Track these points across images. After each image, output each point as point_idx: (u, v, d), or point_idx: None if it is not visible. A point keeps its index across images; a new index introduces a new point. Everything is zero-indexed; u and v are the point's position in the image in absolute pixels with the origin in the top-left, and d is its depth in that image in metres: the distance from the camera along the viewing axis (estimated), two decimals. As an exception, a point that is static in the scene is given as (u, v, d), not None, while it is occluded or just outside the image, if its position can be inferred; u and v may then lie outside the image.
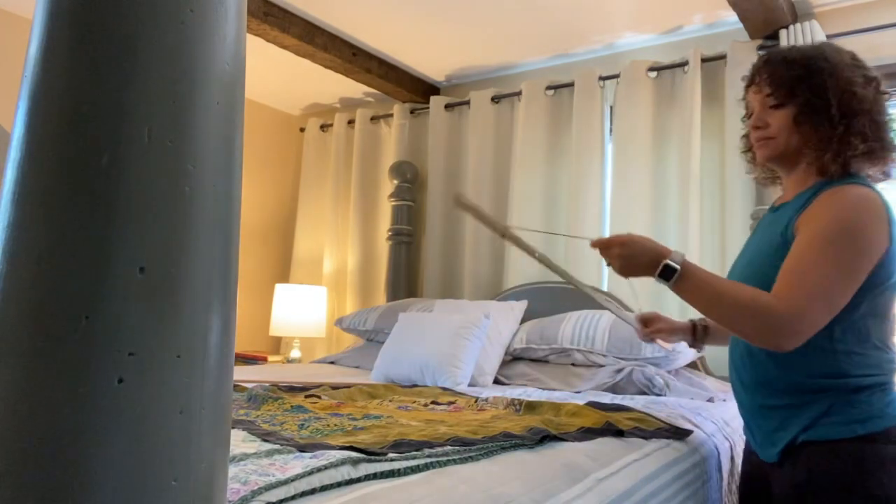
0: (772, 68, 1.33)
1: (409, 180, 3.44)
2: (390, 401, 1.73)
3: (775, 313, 1.13)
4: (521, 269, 3.00)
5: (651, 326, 1.57)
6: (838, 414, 1.21)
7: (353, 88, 3.67)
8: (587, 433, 1.33)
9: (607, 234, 2.79)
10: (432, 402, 1.72)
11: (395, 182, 3.44)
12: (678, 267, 1.21)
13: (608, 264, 1.32)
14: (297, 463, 0.92)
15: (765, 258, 1.29)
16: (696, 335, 1.57)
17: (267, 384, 1.87)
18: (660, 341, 1.57)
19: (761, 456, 1.35)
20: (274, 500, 0.79)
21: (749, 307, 1.15)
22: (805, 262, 1.16)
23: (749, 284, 1.26)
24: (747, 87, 1.39)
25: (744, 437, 1.76)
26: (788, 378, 1.26)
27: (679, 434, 1.50)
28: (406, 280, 3.41)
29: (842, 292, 1.15)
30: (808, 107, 1.27)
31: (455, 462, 1.03)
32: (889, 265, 1.20)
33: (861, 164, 1.25)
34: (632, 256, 1.27)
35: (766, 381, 1.30)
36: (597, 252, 1.40)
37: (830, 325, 1.19)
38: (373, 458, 0.98)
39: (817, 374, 1.22)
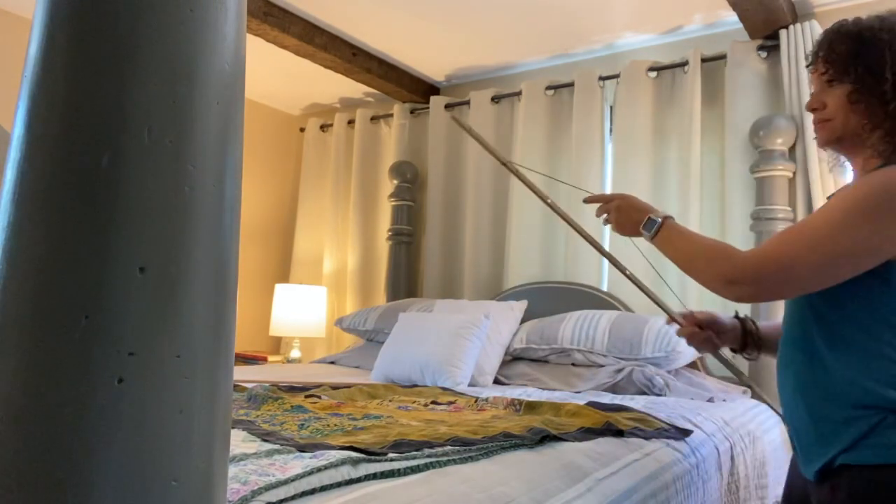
0: (828, 43, 1.24)
1: (409, 180, 3.44)
2: (390, 401, 1.73)
3: (739, 252, 1.10)
4: (521, 270, 3.00)
5: (705, 328, 1.39)
6: (882, 437, 1.08)
7: (353, 88, 3.67)
8: (587, 433, 1.33)
9: (607, 237, 2.80)
10: (432, 402, 1.72)
11: (395, 182, 3.44)
12: (659, 220, 1.25)
13: (606, 221, 1.36)
14: (297, 463, 0.92)
15: None
16: (747, 341, 1.39)
17: (267, 384, 1.87)
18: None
19: (803, 471, 1.23)
20: (274, 500, 0.79)
21: (715, 248, 1.13)
22: (813, 217, 1.07)
23: None
24: (808, 66, 1.31)
25: (745, 439, 1.76)
26: (848, 384, 1.11)
27: (679, 434, 1.50)
28: (406, 280, 3.41)
29: (844, 249, 1.03)
30: (863, 83, 1.16)
31: (455, 462, 1.03)
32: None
33: None
34: (628, 208, 1.31)
35: (819, 384, 1.16)
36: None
37: (878, 310, 1.07)
38: (373, 458, 0.98)
39: (882, 384, 1.07)
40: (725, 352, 1.47)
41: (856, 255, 1.03)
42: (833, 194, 1.15)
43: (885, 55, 1.14)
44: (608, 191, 2.88)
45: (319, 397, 1.69)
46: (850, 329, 1.08)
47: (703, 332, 1.37)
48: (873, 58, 1.16)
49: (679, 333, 1.39)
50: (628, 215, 1.31)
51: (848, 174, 1.29)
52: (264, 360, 3.39)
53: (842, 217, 1.03)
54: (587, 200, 1.39)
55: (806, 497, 1.27)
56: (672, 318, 1.43)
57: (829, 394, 1.13)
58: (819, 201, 2.31)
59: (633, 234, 1.32)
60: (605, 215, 1.37)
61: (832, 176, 2.34)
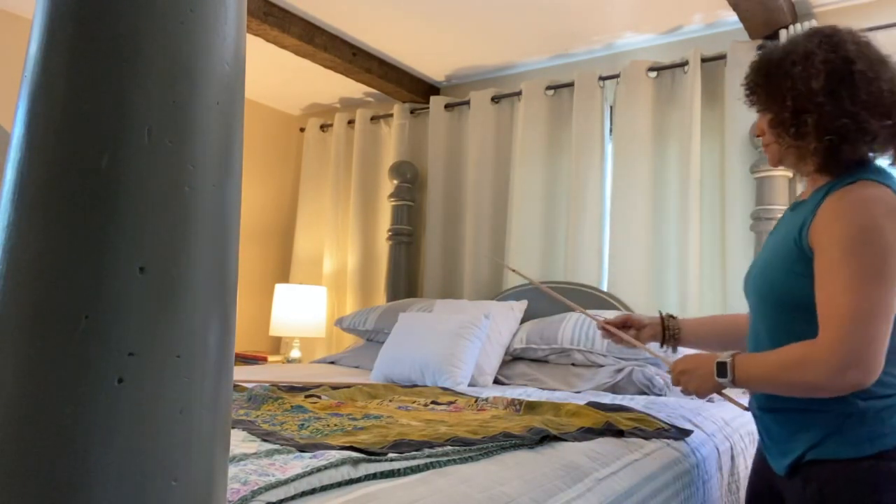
0: (750, 74, 1.32)
1: (409, 180, 3.44)
2: (390, 401, 1.73)
3: (825, 359, 1.09)
4: (521, 269, 3.00)
5: (613, 327, 1.55)
6: (849, 432, 1.16)
7: (353, 88, 3.67)
8: (587, 433, 1.33)
9: (607, 237, 2.80)
10: (432, 402, 1.72)
11: (395, 182, 3.44)
12: (727, 360, 1.21)
13: (684, 392, 1.33)
14: (297, 463, 0.92)
15: (778, 263, 1.24)
16: (665, 334, 1.55)
17: (267, 384, 1.87)
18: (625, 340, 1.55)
19: (772, 466, 1.31)
20: (274, 500, 0.79)
21: (800, 368, 1.11)
22: (831, 288, 1.11)
23: (761, 289, 1.26)
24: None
25: (745, 439, 1.76)
26: None
27: (679, 434, 1.50)
28: (406, 280, 3.41)
29: (880, 298, 1.08)
30: (775, 111, 1.25)
31: (455, 462, 1.03)
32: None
33: (852, 155, 1.18)
34: (693, 367, 1.28)
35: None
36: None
37: None
38: (373, 458, 0.98)
39: None
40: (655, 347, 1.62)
41: (889, 294, 1.10)
42: (806, 228, 1.20)
43: (785, 83, 1.21)
44: (608, 191, 2.87)
45: (319, 397, 1.69)
46: (812, 335, 1.13)
47: (624, 333, 1.53)
48: (775, 86, 1.23)
49: (605, 338, 1.56)
50: (696, 374, 1.27)
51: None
52: (264, 360, 3.39)
53: (858, 282, 1.09)
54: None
55: (772, 489, 1.34)
56: (602, 327, 1.55)
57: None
58: None
59: (714, 390, 1.27)
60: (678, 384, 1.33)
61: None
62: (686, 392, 1.31)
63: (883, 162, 1.23)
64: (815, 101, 1.17)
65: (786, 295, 1.21)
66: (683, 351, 1.64)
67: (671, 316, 1.56)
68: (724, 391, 1.30)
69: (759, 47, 2.56)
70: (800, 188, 2.39)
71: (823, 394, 1.12)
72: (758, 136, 1.33)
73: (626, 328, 1.56)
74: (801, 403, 1.21)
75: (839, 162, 1.19)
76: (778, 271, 1.23)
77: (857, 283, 1.09)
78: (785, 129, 1.23)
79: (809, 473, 1.20)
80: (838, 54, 1.18)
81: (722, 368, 1.21)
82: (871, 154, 1.19)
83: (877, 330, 1.08)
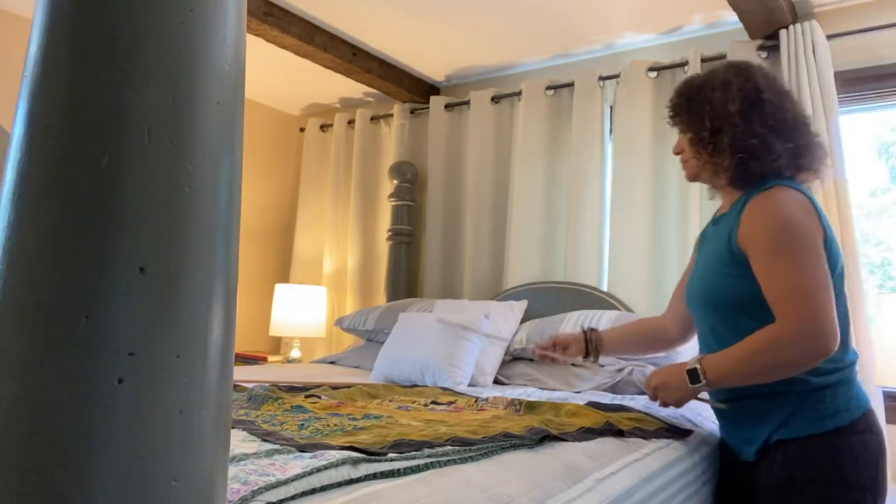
0: (674, 98, 1.47)
1: (409, 180, 3.44)
2: (390, 401, 1.73)
3: (791, 336, 1.20)
4: (521, 270, 3.00)
5: (546, 348, 1.74)
6: (809, 410, 1.29)
7: (353, 88, 3.67)
8: (587, 433, 1.33)
9: (607, 237, 2.80)
10: (432, 402, 1.72)
11: (395, 182, 3.44)
12: (696, 366, 1.32)
13: (662, 404, 1.43)
14: (297, 463, 0.92)
15: (715, 268, 1.39)
16: (588, 347, 1.73)
17: (267, 384, 1.87)
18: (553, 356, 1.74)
19: (740, 455, 1.44)
20: (274, 500, 0.79)
21: (770, 352, 1.22)
22: (776, 278, 1.25)
23: (702, 296, 1.41)
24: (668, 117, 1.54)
25: None
26: None
27: (679, 434, 1.50)
28: (406, 280, 3.41)
29: (819, 272, 1.23)
30: (695, 132, 1.42)
31: (455, 462, 1.03)
32: (829, 254, 1.30)
33: (759, 171, 1.36)
34: (665, 381, 1.39)
35: None
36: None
37: None
38: (373, 458, 0.98)
39: None
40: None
41: (824, 267, 1.25)
42: (735, 233, 1.36)
43: (705, 107, 1.39)
44: (608, 191, 2.87)
45: (319, 397, 1.69)
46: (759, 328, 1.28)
47: (553, 353, 1.72)
48: (696, 109, 1.41)
49: (541, 361, 1.77)
50: (670, 386, 1.38)
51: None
52: (264, 360, 3.39)
53: (798, 264, 1.24)
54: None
55: (744, 482, 1.46)
56: (538, 354, 1.74)
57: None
58: (819, 201, 2.31)
59: (691, 396, 1.37)
60: (656, 399, 1.44)
61: (832, 176, 2.34)
62: (665, 405, 1.41)
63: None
64: (730, 122, 1.36)
65: (726, 296, 1.36)
66: (607, 360, 1.88)
67: (592, 329, 1.75)
68: (701, 395, 1.42)
69: (760, 47, 2.56)
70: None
71: (797, 369, 1.22)
72: (677, 153, 1.51)
73: (555, 347, 1.74)
74: (761, 389, 1.33)
75: (748, 177, 1.38)
76: (715, 276, 1.38)
77: (797, 265, 1.23)
78: (703, 147, 1.41)
79: (776, 454, 1.33)
80: (751, 83, 1.37)
81: (693, 375, 1.32)
82: (774, 171, 1.36)
83: (827, 299, 1.21)
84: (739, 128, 1.35)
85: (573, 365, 1.76)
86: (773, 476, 1.32)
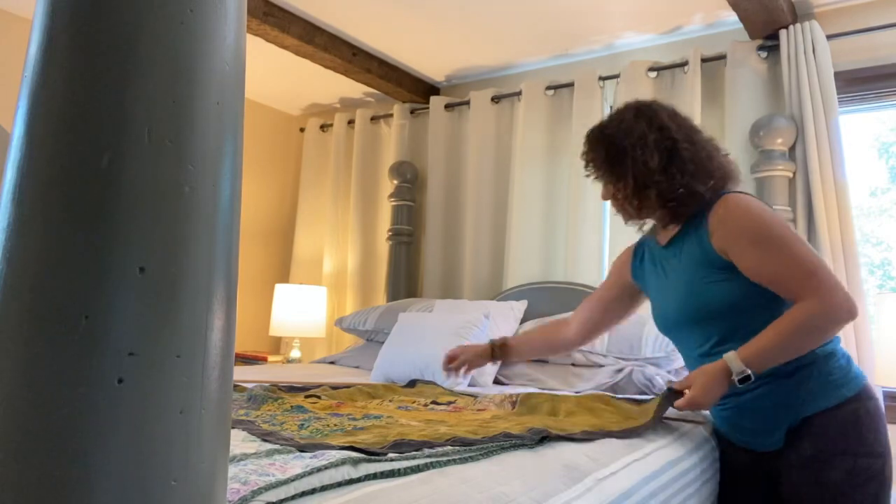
0: (589, 151, 1.50)
1: (409, 180, 3.44)
2: (390, 401, 1.73)
3: (829, 307, 1.26)
4: (521, 269, 3.00)
5: (455, 361, 1.78)
6: (824, 384, 1.35)
7: (353, 88, 3.67)
8: (587, 435, 1.33)
9: (607, 237, 2.80)
10: (432, 402, 1.72)
11: (395, 182, 3.44)
12: (745, 368, 1.29)
13: (697, 407, 1.35)
14: (297, 463, 0.92)
15: (700, 281, 1.41)
16: (494, 355, 1.80)
17: (267, 384, 1.87)
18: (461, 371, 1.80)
19: (761, 447, 1.44)
20: (274, 499, 0.79)
21: (813, 326, 1.26)
22: (780, 266, 1.30)
23: (693, 315, 1.42)
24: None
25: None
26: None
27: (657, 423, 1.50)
28: (406, 280, 3.41)
29: (813, 252, 1.31)
30: (620, 188, 1.45)
31: (455, 462, 1.03)
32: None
33: (690, 210, 1.43)
34: (706, 379, 1.32)
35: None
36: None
37: (780, 303, 1.35)
38: (373, 458, 0.98)
39: None
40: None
41: (813, 249, 1.33)
42: (708, 244, 1.41)
43: (626, 163, 1.42)
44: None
45: (319, 397, 1.69)
46: (758, 326, 1.33)
47: (460, 364, 1.79)
48: (617, 165, 1.44)
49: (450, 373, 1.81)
50: (712, 390, 1.32)
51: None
52: (264, 360, 3.39)
53: (794, 248, 1.30)
54: (673, 386, 1.42)
55: (761, 472, 1.49)
56: (445, 369, 1.80)
57: (763, 374, 1.35)
58: (819, 201, 2.31)
59: (726, 389, 1.33)
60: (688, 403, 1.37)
61: (832, 176, 2.34)
62: (699, 407, 1.35)
63: None
64: (653, 179, 1.40)
65: (723, 302, 1.38)
66: (514, 366, 1.95)
67: (502, 338, 1.83)
68: None
69: (760, 47, 2.56)
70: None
71: (834, 329, 1.27)
72: (605, 199, 1.53)
73: (453, 360, 1.81)
74: (776, 372, 1.37)
75: (682, 217, 1.45)
76: (704, 286, 1.40)
77: (793, 249, 1.30)
78: (629, 202, 1.45)
79: (801, 432, 1.37)
80: (664, 134, 1.42)
81: (741, 375, 1.29)
82: (706, 202, 1.42)
83: (830, 271, 1.29)
84: (663, 184, 1.40)
85: None
86: (802, 452, 1.36)
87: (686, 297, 1.44)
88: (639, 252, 1.67)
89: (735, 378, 1.29)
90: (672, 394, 1.43)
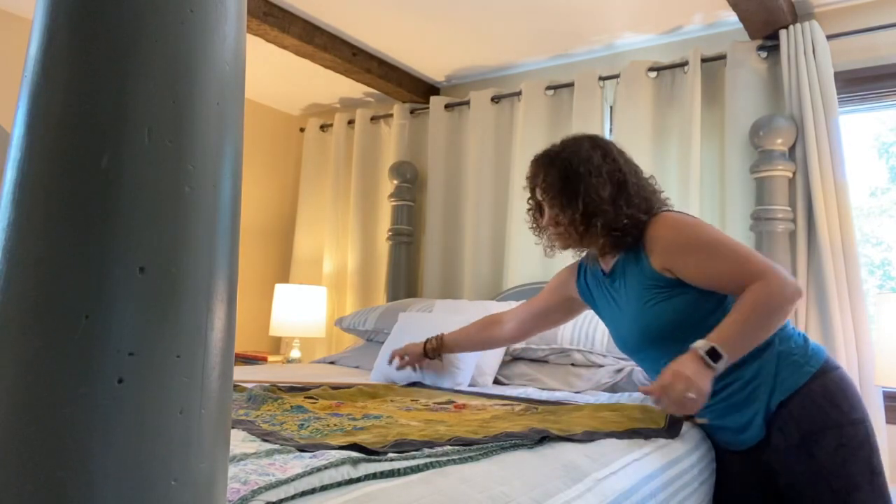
0: (541, 170, 1.52)
1: (409, 180, 3.44)
2: (391, 401, 1.73)
3: (775, 284, 1.31)
4: (520, 270, 3.00)
5: (401, 360, 1.99)
6: (788, 365, 1.41)
7: (353, 88, 3.67)
8: (589, 435, 1.33)
9: None
10: (433, 402, 1.72)
11: (395, 182, 3.44)
12: (713, 345, 1.29)
13: (681, 404, 1.27)
14: (297, 463, 0.92)
15: (646, 302, 1.46)
16: (428, 353, 1.98)
17: (267, 384, 1.87)
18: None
19: (739, 445, 1.49)
20: (274, 499, 0.79)
21: (767, 300, 1.30)
22: (719, 264, 1.37)
23: (648, 332, 1.46)
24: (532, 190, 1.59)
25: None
26: None
27: (675, 428, 1.50)
28: (406, 280, 3.41)
29: (743, 245, 1.39)
30: (567, 213, 1.48)
31: (455, 462, 1.03)
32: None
33: (630, 239, 1.48)
34: (682, 375, 1.27)
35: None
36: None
37: (726, 298, 1.42)
38: (373, 457, 0.98)
39: None
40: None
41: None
42: (650, 266, 1.48)
43: (579, 189, 1.45)
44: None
45: (317, 400, 1.69)
46: (704, 330, 1.37)
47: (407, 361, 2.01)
48: (571, 191, 1.46)
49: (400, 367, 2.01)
50: (687, 376, 1.26)
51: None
52: (264, 360, 3.39)
53: (730, 246, 1.38)
54: (644, 391, 1.34)
55: (737, 471, 1.53)
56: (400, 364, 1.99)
57: (728, 369, 1.38)
58: (819, 201, 2.31)
59: (709, 381, 1.28)
60: (663, 400, 1.30)
61: (832, 176, 2.34)
62: (682, 405, 1.27)
63: None
64: (602, 208, 1.45)
65: (669, 319, 1.43)
66: (449, 357, 2.05)
67: (437, 336, 1.99)
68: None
69: (760, 47, 2.56)
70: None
71: (788, 304, 1.32)
72: (549, 225, 1.55)
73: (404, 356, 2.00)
74: (744, 370, 1.41)
75: (621, 247, 1.50)
76: (651, 308, 1.45)
77: (725, 245, 1.37)
78: (575, 228, 1.48)
79: (781, 417, 1.41)
80: (615, 167, 1.48)
81: (713, 353, 1.29)
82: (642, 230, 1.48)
83: (760, 255, 1.36)
84: (609, 214, 1.45)
85: None
86: (788, 437, 1.39)
87: (639, 321, 1.48)
88: (581, 273, 1.72)
89: (702, 353, 1.27)
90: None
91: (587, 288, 1.70)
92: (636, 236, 1.48)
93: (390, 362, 2.05)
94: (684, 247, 1.40)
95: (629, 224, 1.46)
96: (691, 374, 1.26)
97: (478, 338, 1.94)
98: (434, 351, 1.99)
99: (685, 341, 1.38)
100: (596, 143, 1.52)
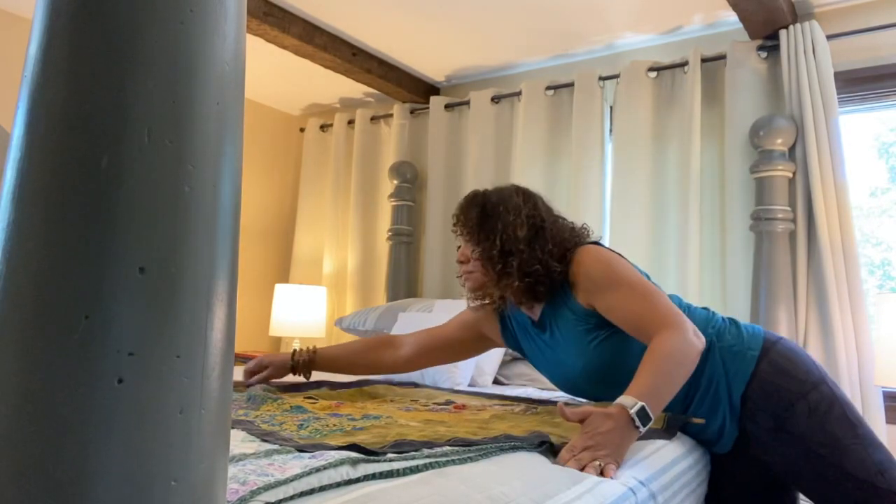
0: (462, 210, 1.54)
1: (409, 180, 3.44)
2: (390, 401, 1.73)
3: (677, 335, 1.29)
4: (520, 270, 3.00)
5: (255, 376, 1.73)
6: (733, 358, 1.43)
7: (353, 88, 3.67)
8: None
9: (607, 237, 2.79)
10: (432, 403, 1.72)
11: (395, 182, 3.44)
12: (638, 402, 1.19)
13: (598, 467, 1.12)
14: (297, 463, 0.92)
15: (589, 346, 1.45)
16: (297, 370, 1.75)
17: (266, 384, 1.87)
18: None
19: (727, 445, 1.49)
20: (273, 500, 0.79)
21: (672, 352, 1.27)
22: (628, 307, 1.37)
23: (601, 377, 1.45)
24: (454, 226, 1.58)
25: None
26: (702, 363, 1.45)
27: (672, 429, 1.50)
28: (406, 280, 3.41)
29: (653, 289, 1.40)
30: (483, 246, 1.49)
31: (455, 462, 1.03)
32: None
33: (545, 290, 1.48)
34: (612, 436, 1.15)
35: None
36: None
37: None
38: (372, 458, 0.98)
39: None
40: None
41: (654, 286, 1.43)
42: (575, 306, 1.48)
43: (497, 226, 1.47)
44: (608, 191, 2.87)
45: (316, 400, 1.69)
46: (637, 353, 1.40)
47: (258, 374, 1.73)
48: (490, 227, 1.48)
49: (248, 384, 1.71)
50: (616, 439, 1.15)
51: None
52: (264, 360, 3.39)
53: (638, 288, 1.39)
54: (563, 415, 1.23)
55: (735, 466, 1.53)
56: (247, 381, 1.73)
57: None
58: (819, 201, 2.31)
59: (634, 439, 1.19)
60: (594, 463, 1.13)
61: (832, 176, 2.34)
62: (602, 469, 1.12)
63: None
64: (518, 248, 1.45)
65: (615, 358, 1.43)
66: (320, 375, 1.91)
67: (308, 349, 1.76)
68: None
69: (760, 47, 2.57)
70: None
71: (695, 361, 1.30)
72: (461, 262, 1.55)
73: (265, 368, 1.74)
74: (696, 381, 1.43)
75: (537, 296, 1.49)
76: (593, 350, 1.45)
77: (635, 289, 1.37)
78: (492, 265, 1.47)
79: (749, 411, 1.42)
80: (536, 212, 1.51)
81: (643, 414, 1.18)
82: (558, 281, 1.48)
83: (670, 303, 1.37)
84: (524, 254, 1.45)
85: None
86: (763, 426, 1.41)
87: (585, 365, 1.46)
88: (505, 321, 1.67)
89: (633, 414, 1.17)
90: (674, 417, 1.45)
91: (513, 336, 1.67)
92: (558, 281, 1.47)
93: (246, 378, 1.76)
94: (604, 279, 1.41)
95: (542, 272, 1.45)
96: (619, 441, 1.16)
97: (363, 359, 1.77)
98: (304, 366, 1.75)
99: (623, 384, 1.30)
100: (521, 190, 1.57)
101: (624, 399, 1.20)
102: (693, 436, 1.52)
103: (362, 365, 1.78)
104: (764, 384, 1.40)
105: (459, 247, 1.57)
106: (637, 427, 1.18)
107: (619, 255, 1.49)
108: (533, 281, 1.46)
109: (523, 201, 1.52)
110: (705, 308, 1.56)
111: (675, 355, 1.27)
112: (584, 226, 1.60)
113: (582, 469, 1.11)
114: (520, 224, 1.47)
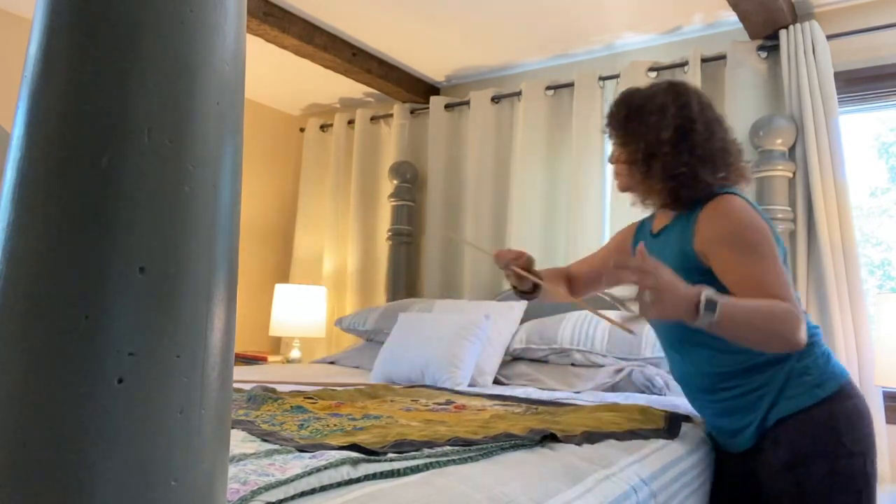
0: (613, 109, 1.48)
1: (409, 180, 3.44)
2: (391, 401, 1.73)
3: (796, 317, 1.20)
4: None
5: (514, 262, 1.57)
6: (797, 385, 1.34)
7: (353, 88, 3.67)
8: (589, 437, 1.33)
9: (607, 237, 2.80)
10: (433, 403, 1.72)
11: (395, 182, 3.44)
12: (717, 298, 1.16)
13: (640, 295, 1.18)
14: (297, 463, 0.92)
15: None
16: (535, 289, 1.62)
17: (266, 385, 1.87)
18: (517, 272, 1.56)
19: (739, 447, 1.46)
20: (273, 500, 0.79)
21: (782, 319, 1.20)
22: (754, 275, 1.27)
23: None
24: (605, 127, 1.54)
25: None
26: (741, 359, 1.38)
27: (674, 428, 1.50)
28: (406, 280, 3.41)
29: (784, 274, 1.29)
30: (628, 151, 1.44)
31: (455, 462, 1.03)
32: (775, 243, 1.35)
33: (689, 197, 1.39)
34: (671, 292, 1.16)
35: (719, 371, 1.41)
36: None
37: None
38: (372, 458, 0.98)
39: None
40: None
41: (784, 272, 1.30)
42: (690, 244, 1.38)
43: (641, 128, 1.41)
44: (608, 191, 2.87)
45: (316, 400, 1.69)
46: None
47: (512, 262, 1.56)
48: (633, 129, 1.42)
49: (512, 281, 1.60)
50: (673, 298, 1.16)
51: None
52: (264, 360, 3.39)
53: (767, 263, 1.27)
54: (617, 266, 1.20)
55: (745, 477, 1.49)
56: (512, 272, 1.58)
57: (737, 371, 1.38)
58: (819, 201, 2.31)
59: (682, 317, 1.18)
60: (638, 290, 1.19)
61: (832, 176, 2.34)
62: (646, 310, 1.18)
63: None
64: (662, 150, 1.38)
65: None
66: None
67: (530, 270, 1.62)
68: (615, 318, 1.32)
69: (760, 47, 2.57)
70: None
71: (786, 349, 1.24)
72: (613, 162, 1.51)
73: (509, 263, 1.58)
74: (750, 380, 1.37)
75: (679, 202, 1.41)
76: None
77: (768, 264, 1.27)
78: (637, 167, 1.43)
79: (777, 435, 1.36)
80: (686, 111, 1.39)
81: (711, 305, 1.16)
82: (706, 194, 1.38)
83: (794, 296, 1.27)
84: (668, 157, 1.38)
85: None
86: (779, 457, 1.35)
87: None
88: (639, 234, 1.64)
89: (702, 301, 1.15)
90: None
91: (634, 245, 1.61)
92: (695, 201, 1.39)
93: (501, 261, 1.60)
94: (731, 238, 1.30)
95: (687, 174, 1.37)
96: (677, 300, 1.15)
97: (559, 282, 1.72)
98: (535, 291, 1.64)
99: (702, 346, 1.33)
100: (673, 86, 1.44)
101: (709, 290, 1.18)
102: (713, 423, 1.50)
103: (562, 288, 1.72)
104: (807, 425, 1.32)
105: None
106: (697, 310, 1.15)
107: (765, 218, 1.36)
108: (677, 185, 1.38)
109: (672, 100, 1.41)
110: (816, 325, 1.43)
111: (778, 324, 1.19)
112: (739, 146, 1.46)
113: (637, 285, 1.16)
114: (665, 126, 1.38)
